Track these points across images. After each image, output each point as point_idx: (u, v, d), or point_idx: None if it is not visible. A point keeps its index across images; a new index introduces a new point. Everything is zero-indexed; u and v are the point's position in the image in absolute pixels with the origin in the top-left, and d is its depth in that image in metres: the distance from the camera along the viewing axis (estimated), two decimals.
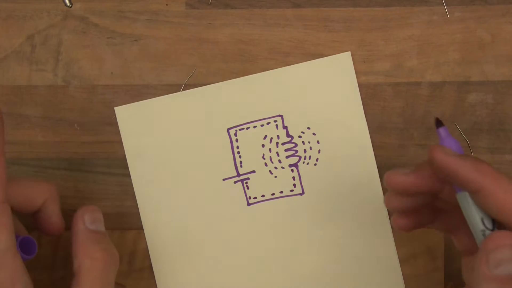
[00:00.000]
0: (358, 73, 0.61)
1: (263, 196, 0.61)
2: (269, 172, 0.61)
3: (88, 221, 0.53)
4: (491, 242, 0.42)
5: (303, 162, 0.61)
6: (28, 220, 0.54)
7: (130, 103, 0.61)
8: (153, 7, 0.61)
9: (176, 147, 0.61)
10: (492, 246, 0.42)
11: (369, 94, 0.61)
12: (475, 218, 0.44)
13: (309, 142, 0.61)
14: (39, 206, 0.53)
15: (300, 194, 0.61)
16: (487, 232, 0.43)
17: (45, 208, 0.54)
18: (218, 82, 0.61)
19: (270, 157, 0.61)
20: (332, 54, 0.61)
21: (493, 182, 0.43)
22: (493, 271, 0.41)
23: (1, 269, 0.46)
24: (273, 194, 0.61)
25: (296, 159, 0.61)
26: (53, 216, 0.54)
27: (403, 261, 0.60)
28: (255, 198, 0.61)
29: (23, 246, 0.50)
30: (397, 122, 0.61)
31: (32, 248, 0.51)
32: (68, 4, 0.61)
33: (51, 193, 0.54)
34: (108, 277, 0.52)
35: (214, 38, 0.61)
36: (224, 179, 0.61)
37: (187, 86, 0.61)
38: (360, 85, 0.61)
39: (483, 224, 0.44)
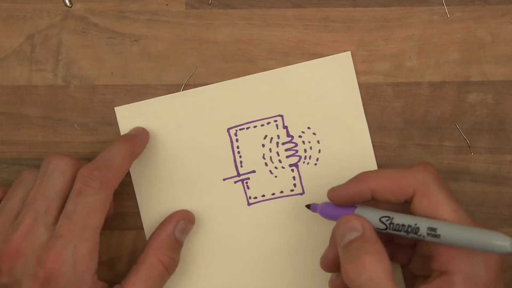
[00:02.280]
0: (358, 73, 0.61)
1: (263, 196, 0.61)
2: (269, 172, 0.61)
3: (179, 228, 0.58)
4: (338, 223, 0.51)
5: (303, 162, 0.61)
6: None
7: (130, 103, 0.61)
8: (153, 7, 0.61)
9: (176, 147, 0.61)
10: (338, 224, 0.51)
11: (369, 94, 0.61)
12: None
13: (309, 142, 0.61)
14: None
15: (301, 194, 0.61)
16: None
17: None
18: (218, 82, 0.61)
19: (270, 157, 0.61)
20: (332, 54, 0.61)
21: (379, 179, 0.51)
22: (341, 243, 0.49)
23: (86, 241, 0.51)
24: (273, 194, 0.61)
25: (296, 159, 0.61)
26: None
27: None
28: (255, 198, 0.61)
29: None
30: (397, 122, 0.61)
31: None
32: (68, 4, 0.61)
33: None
34: (161, 282, 0.56)
35: (214, 38, 0.61)
36: (224, 179, 0.61)
37: (187, 86, 0.61)
38: (360, 85, 0.61)
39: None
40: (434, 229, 0.47)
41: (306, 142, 0.61)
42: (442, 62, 0.61)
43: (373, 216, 0.50)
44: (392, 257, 0.56)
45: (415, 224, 0.48)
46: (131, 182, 0.61)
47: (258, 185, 0.61)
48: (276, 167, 0.61)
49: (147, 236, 0.60)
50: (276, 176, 0.61)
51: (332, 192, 0.53)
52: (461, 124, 0.61)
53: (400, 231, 0.49)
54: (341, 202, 0.52)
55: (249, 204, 0.61)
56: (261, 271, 0.61)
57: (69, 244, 0.51)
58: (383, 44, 0.61)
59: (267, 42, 0.61)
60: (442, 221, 0.48)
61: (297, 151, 0.61)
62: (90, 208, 0.52)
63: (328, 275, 0.55)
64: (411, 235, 0.48)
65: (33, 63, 0.61)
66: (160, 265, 0.56)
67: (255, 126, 0.60)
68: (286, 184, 0.61)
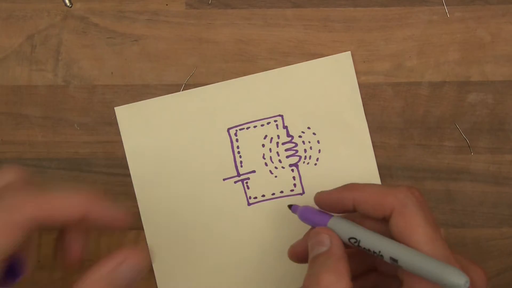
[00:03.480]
0: (358, 73, 0.61)
1: (263, 196, 0.61)
2: (269, 172, 0.61)
3: (119, 274, 0.46)
4: (311, 233, 0.51)
5: (303, 162, 0.61)
6: None
7: (130, 103, 0.61)
8: (153, 7, 0.61)
9: (176, 147, 0.61)
10: (310, 235, 0.50)
11: (369, 94, 0.61)
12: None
13: (309, 142, 0.61)
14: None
15: (301, 194, 0.61)
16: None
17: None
18: (218, 82, 0.61)
19: (271, 157, 0.61)
20: (332, 54, 0.61)
21: (362, 192, 0.51)
22: (310, 255, 0.49)
23: None
24: (273, 194, 0.61)
25: (297, 159, 0.61)
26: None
27: None
28: (255, 198, 0.61)
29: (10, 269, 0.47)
30: (397, 122, 0.61)
31: (20, 269, 0.47)
32: (68, 4, 0.61)
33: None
34: None
35: (214, 38, 0.61)
36: (224, 179, 0.61)
37: (187, 86, 0.61)
38: (360, 85, 0.61)
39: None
40: (395, 260, 0.47)
41: (306, 142, 0.61)
42: (442, 62, 0.61)
43: (344, 233, 0.50)
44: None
45: (379, 252, 0.48)
46: (131, 182, 0.61)
47: (258, 185, 0.61)
48: (276, 167, 0.61)
49: (147, 236, 0.60)
50: (276, 176, 0.61)
51: (317, 196, 0.53)
52: (461, 124, 0.61)
53: (368, 252, 0.49)
54: (325, 207, 0.53)
55: (249, 204, 0.61)
56: (261, 270, 0.61)
57: None
58: (383, 44, 0.61)
59: (267, 42, 0.61)
60: (406, 249, 0.47)
61: (297, 151, 0.61)
62: None
63: None
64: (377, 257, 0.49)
65: (33, 63, 0.61)
66: None
67: (255, 126, 0.61)
68: (286, 184, 0.61)
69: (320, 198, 0.53)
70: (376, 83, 0.61)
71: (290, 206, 0.55)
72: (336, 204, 0.51)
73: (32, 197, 0.44)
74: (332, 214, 0.52)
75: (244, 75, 0.61)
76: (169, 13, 0.61)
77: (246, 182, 0.61)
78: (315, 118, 0.61)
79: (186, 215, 0.61)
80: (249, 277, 0.61)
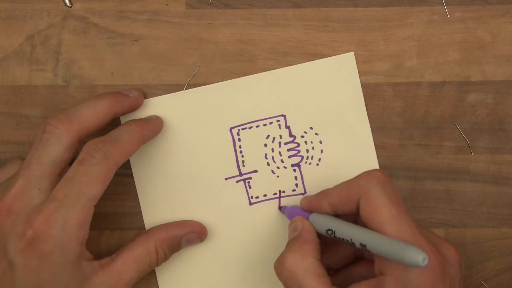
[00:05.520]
0: (358, 73, 0.61)
1: (265, 195, 0.61)
2: (271, 172, 0.61)
3: (188, 237, 0.60)
4: (290, 223, 0.55)
5: (306, 162, 0.61)
6: None
7: None
8: (153, 7, 0.61)
9: (178, 146, 0.61)
10: (289, 225, 0.55)
11: (369, 94, 0.61)
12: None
13: (311, 142, 0.61)
14: None
15: (302, 194, 0.61)
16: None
17: None
18: (218, 82, 0.61)
19: (273, 157, 0.61)
20: (332, 54, 0.61)
21: (332, 192, 0.53)
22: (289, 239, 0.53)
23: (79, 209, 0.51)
24: (275, 193, 0.61)
25: (299, 159, 0.61)
26: None
27: None
28: (257, 197, 0.61)
29: None
30: (397, 122, 0.61)
31: None
32: (68, 4, 0.61)
33: None
34: (147, 270, 0.57)
35: (214, 38, 0.61)
36: (226, 179, 0.61)
37: (187, 87, 0.61)
38: (360, 85, 0.61)
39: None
40: (364, 245, 0.49)
41: (308, 142, 0.61)
42: (442, 62, 0.61)
43: (321, 226, 0.53)
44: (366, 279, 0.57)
45: (351, 239, 0.50)
46: (133, 182, 0.61)
47: (260, 185, 0.61)
48: (278, 167, 0.61)
49: None
50: (278, 176, 0.61)
51: (302, 201, 0.55)
52: (461, 124, 0.61)
53: (345, 242, 0.51)
54: (311, 210, 0.55)
55: (250, 203, 0.61)
56: (262, 270, 0.61)
57: (62, 209, 0.51)
58: (383, 44, 0.61)
59: (267, 42, 0.61)
60: (372, 234, 0.49)
61: (299, 151, 0.61)
62: (89, 177, 0.51)
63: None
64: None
65: (33, 63, 0.61)
66: (155, 255, 0.56)
67: (257, 126, 0.60)
68: (288, 184, 0.61)
69: (303, 203, 0.56)
70: (376, 83, 0.61)
71: (281, 208, 0.59)
72: (317, 209, 0.54)
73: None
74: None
75: (244, 75, 0.61)
76: (169, 13, 0.61)
77: (248, 182, 0.61)
78: (318, 118, 0.60)
79: (188, 215, 0.61)
80: (250, 276, 0.61)
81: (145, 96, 0.61)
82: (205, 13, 0.61)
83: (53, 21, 0.61)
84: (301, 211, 0.56)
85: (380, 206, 0.49)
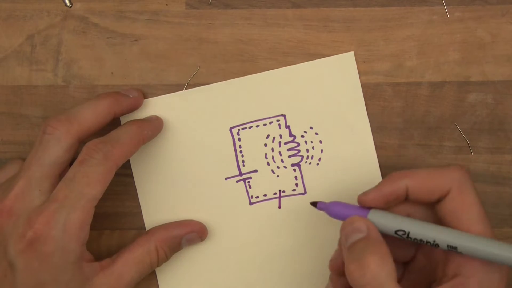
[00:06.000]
0: (358, 73, 0.61)
1: (265, 195, 0.61)
2: (271, 172, 0.61)
3: (189, 237, 0.59)
4: (343, 224, 0.50)
5: (306, 162, 0.61)
6: None
7: None
8: (153, 7, 0.61)
9: (178, 146, 0.61)
10: (344, 225, 0.50)
11: (369, 94, 0.61)
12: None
13: (311, 142, 0.61)
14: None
15: (302, 194, 0.61)
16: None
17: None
18: (218, 82, 0.61)
19: (273, 157, 0.61)
20: (332, 54, 0.61)
21: (414, 176, 0.50)
22: (346, 244, 0.49)
23: (79, 210, 0.51)
24: (275, 193, 0.61)
25: (299, 158, 0.61)
26: None
27: None
28: (257, 197, 0.61)
29: None
30: (397, 122, 0.61)
31: None
32: (68, 4, 0.61)
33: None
34: (148, 271, 0.57)
35: (214, 38, 0.61)
36: (226, 178, 0.61)
37: (187, 86, 0.61)
38: (360, 85, 0.61)
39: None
40: (454, 248, 0.47)
41: (308, 142, 0.61)
42: (442, 62, 0.61)
43: (388, 226, 0.50)
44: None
45: (434, 241, 0.48)
46: (133, 182, 0.61)
47: (260, 185, 0.61)
48: (278, 167, 0.61)
49: None
50: (278, 176, 0.61)
51: (364, 197, 0.51)
52: (461, 124, 0.61)
53: (419, 243, 0.49)
54: (375, 205, 0.51)
55: (251, 203, 0.61)
56: (263, 270, 0.61)
57: (62, 209, 0.51)
58: (383, 44, 0.61)
59: (267, 42, 0.61)
60: (461, 234, 0.47)
61: (299, 150, 0.61)
62: (89, 177, 0.52)
63: (329, 274, 0.55)
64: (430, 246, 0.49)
65: (33, 63, 0.61)
66: (156, 255, 0.57)
67: (257, 126, 0.60)
68: (288, 183, 0.61)
69: (369, 197, 0.51)
70: (376, 83, 0.61)
71: (314, 204, 0.54)
72: (388, 198, 0.51)
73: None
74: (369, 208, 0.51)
75: (244, 75, 0.61)
76: (169, 13, 0.61)
77: (248, 182, 0.61)
78: (318, 118, 0.60)
79: (188, 214, 0.61)
80: (251, 276, 0.61)
81: (145, 96, 0.61)
82: (205, 13, 0.61)
83: (53, 21, 0.61)
84: (351, 207, 0.52)
85: (473, 203, 0.48)
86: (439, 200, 0.50)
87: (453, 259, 0.48)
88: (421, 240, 0.48)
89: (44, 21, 0.61)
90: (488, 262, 0.47)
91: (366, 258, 0.46)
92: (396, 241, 0.51)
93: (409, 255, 0.54)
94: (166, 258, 0.58)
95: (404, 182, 0.50)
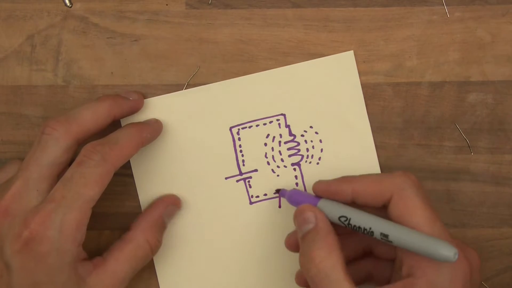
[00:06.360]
0: (358, 73, 0.61)
1: (265, 195, 0.61)
2: (271, 171, 0.61)
3: (167, 212, 0.59)
4: (295, 213, 0.53)
5: (306, 161, 0.61)
6: None
7: None
8: (153, 7, 0.61)
9: (178, 145, 0.61)
10: (295, 214, 0.53)
11: (369, 94, 0.61)
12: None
13: (311, 141, 0.61)
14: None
15: None
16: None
17: None
18: (218, 82, 0.61)
19: (273, 156, 0.61)
20: (332, 54, 0.61)
21: (361, 182, 0.52)
22: (299, 235, 0.52)
23: (76, 211, 0.51)
24: (275, 193, 0.61)
25: (299, 158, 0.61)
26: None
27: None
28: (257, 196, 0.61)
29: None
30: (397, 122, 0.61)
31: None
32: (68, 4, 0.61)
33: None
34: (144, 262, 0.57)
35: (214, 38, 0.61)
36: (226, 178, 0.61)
37: (187, 87, 0.61)
38: (360, 85, 0.61)
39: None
40: (386, 235, 0.48)
41: (308, 141, 0.61)
42: (442, 62, 0.61)
43: (333, 212, 0.52)
44: (372, 277, 0.57)
45: (370, 228, 0.49)
46: (132, 182, 0.61)
47: (260, 184, 0.61)
48: (278, 166, 0.61)
49: None
50: (278, 175, 0.61)
51: (316, 185, 0.54)
52: (461, 124, 0.61)
53: (358, 231, 0.50)
54: (325, 196, 0.54)
55: (251, 203, 0.61)
56: (263, 269, 0.61)
57: (59, 210, 0.51)
58: (383, 44, 0.61)
59: (267, 42, 0.61)
60: (397, 225, 0.49)
61: (299, 150, 0.61)
62: (86, 179, 0.52)
63: None
64: (368, 235, 0.50)
65: (33, 63, 0.61)
66: (148, 246, 0.56)
67: (257, 125, 0.60)
68: (288, 183, 0.61)
69: (319, 187, 0.54)
70: (376, 83, 0.61)
71: (278, 191, 0.58)
72: (334, 195, 0.53)
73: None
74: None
75: (244, 75, 0.61)
76: (169, 13, 0.61)
77: (248, 181, 0.61)
78: (318, 117, 0.60)
79: (188, 214, 0.61)
80: (251, 275, 0.61)
81: (145, 96, 0.61)
82: (205, 13, 0.61)
83: (53, 21, 0.61)
84: (305, 196, 0.55)
85: (416, 207, 0.49)
86: (385, 206, 0.51)
87: (408, 260, 0.49)
88: (359, 228, 0.50)
89: (44, 21, 0.61)
90: (438, 263, 0.47)
91: (312, 253, 0.49)
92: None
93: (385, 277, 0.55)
94: (159, 242, 0.58)
95: (350, 187, 0.52)
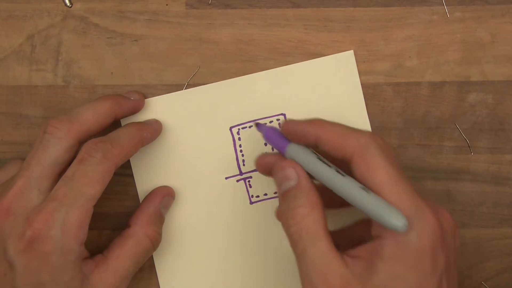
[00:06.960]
0: (358, 73, 0.61)
1: (265, 194, 0.61)
2: None
3: (163, 204, 0.59)
4: (274, 168, 0.52)
5: None
6: None
7: None
8: (153, 7, 0.61)
9: (178, 145, 0.61)
10: (275, 170, 0.52)
11: (369, 94, 0.61)
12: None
13: None
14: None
15: None
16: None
17: None
18: (218, 82, 0.61)
19: None
20: (332, 54, 0.61)
21: (326, 130, 0.50)
22: (279, 191, 0.51)
23: (78, 209, 0.51)
24: (275, 192, 0.61)
25: None
26: None
27: None
28: (257, 196, 0.61)
29: None
30: (397, 122, 0.61)
31: None
32: (68, 4, 0.61)
33: None
34: (145, 257, 0.57)
35: (214, 38, 0.61)
36: (226, 178, 0.61)
37: (187, 86, 0.61)
38: (360, 83, 0.61)
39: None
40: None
41: None
42: (442, 62, 0.61)
43: (297, 160, 0.51)
44: (365, 241, 0.55)
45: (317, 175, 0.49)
46: (132, 182, 0.61)
47: (260, 184, 0.61)
48: None
49: None
50: None
51: (285, 123, 0.52)
52: (461, 124, 0.61)
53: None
54: (289, 136, 0.52)
55: (251, 202, 0.61)
56: (263, 269, 0.61)
57: (61, 208, 0.51)
58: (383, 44, 0.61)
59: (267, 42, 0.61)
60: (352, 184, 0.47)
61: None
62: (88, 177, 0.52)
63: None
64: None
65: (33, 63, 0.61)
66: (148, 240, 0.57)
67: None
68: None
69: (287, 126, 0.52)
70: (376, 83, 0.61)
71: (257, 125, 0.55)
72: (300, 136, 0.51)
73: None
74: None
75: (244, 75, 0.61)
76: (169, 13, 0.61)
77: (249, 181, 0.61)
78: (318, 116, 0.60)
79: (188, 214, 0.61)
80: (251, 275, 0.61)
81: (145, 96, 0.61)
82: (205, 13, 0.61)
83: (53, 21, 0.61)
84: (278, 136, 0.53)
85: (378, 167, 0.47)
86: (345, 161, 0.49)
87: (374, 222, 0.48)
88: (311, 176, 0.50)
89: (44, 21, 0.61)
90: None
91: (295, 210, 0.48)
92: None
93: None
94: (159, 235, 0.58)
95: (316, 130, 0.50)
